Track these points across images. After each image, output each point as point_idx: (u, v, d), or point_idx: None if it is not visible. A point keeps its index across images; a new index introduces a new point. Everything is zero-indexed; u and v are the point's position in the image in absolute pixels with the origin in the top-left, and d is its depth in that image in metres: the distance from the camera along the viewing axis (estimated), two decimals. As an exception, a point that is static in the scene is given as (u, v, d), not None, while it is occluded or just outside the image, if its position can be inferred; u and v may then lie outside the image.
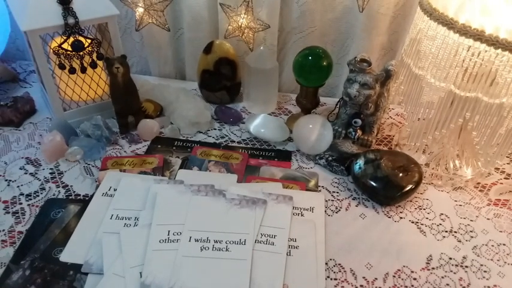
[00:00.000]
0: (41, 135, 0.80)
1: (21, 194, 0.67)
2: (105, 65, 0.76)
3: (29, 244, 0.59)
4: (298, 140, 0.78)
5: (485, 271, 0.60)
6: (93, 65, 0.77)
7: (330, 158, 0.76)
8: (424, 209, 0.69)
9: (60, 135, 0.75)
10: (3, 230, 0.61)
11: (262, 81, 0.86)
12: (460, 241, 0.64)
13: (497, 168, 0.78)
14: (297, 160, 0.78)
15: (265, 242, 0.59)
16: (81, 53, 0.75)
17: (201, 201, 0.63)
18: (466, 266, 0.60)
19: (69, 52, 0.74)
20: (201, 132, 0.84)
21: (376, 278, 0.58)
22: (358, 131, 0.77)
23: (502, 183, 0.75)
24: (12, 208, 0.65)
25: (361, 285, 0.57)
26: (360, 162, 0.71)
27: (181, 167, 0.74)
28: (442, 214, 0.68)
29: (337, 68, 0.95)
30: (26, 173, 0.71)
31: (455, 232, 0.66)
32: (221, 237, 0.58)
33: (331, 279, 0.58)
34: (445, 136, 0.70)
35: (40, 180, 0.70)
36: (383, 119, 0.89)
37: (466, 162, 0.74)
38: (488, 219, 0.68)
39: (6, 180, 0.70)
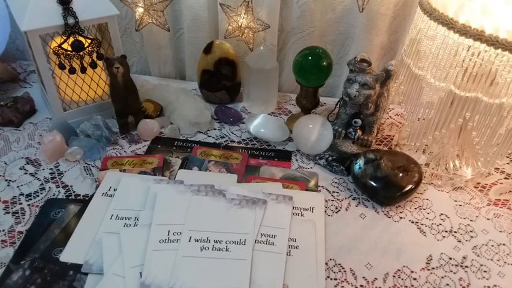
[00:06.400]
0: (41, 135, 0.80)
1: (21, 194, 0.67)
2: (105, 65, 0.76)
3: (29, 244, 0.59)
4: (298, 140, 0.78)
5: (485, 271, 0.60)
6: (93, 65, 0.77)
7: (330, 158, 0.76)
8: (424, 209, 0.69)
9: (60, 135, 0.75)
10: (3, 230, 0.61)
11: (262, 81, 0.86)
12: (460, 241, 0.64)
13: (497, 168, 0.78)
14: (297, 160, 0.78)
15: (265, 242, 0.59)
16: (81, 53, 0.75)
17: (201, 201, 0.63)
18: (466, 266, 0.60)
19: (69, 52, 0.74)
20: (201, 132, 0.84)
21: (376, 278, 0.58)
22: (358, 131, 0.77)
23: (502, 183, 0.75)
24: (12, 208, 0.65)
25: (361, 285, 0.57)
26: (360, 162, 0.71)
27: (181, 167, 0.74)
28: (442, 214, 0.68)
29: (337, 68, 0.95)
30: (26, 173, 0.71)
31: (455, 232, 0.66)
32: (221, 237, 0.58)
33: (331, 279, 0.58)
34: (445, 136, 0.70)
35: (40, 180, 0.70)
36: (383, 119, 0.89)
37: (466, 162, 0.74)
38: (488, 219, 0.68)
39: (6, 180, 0.70)
